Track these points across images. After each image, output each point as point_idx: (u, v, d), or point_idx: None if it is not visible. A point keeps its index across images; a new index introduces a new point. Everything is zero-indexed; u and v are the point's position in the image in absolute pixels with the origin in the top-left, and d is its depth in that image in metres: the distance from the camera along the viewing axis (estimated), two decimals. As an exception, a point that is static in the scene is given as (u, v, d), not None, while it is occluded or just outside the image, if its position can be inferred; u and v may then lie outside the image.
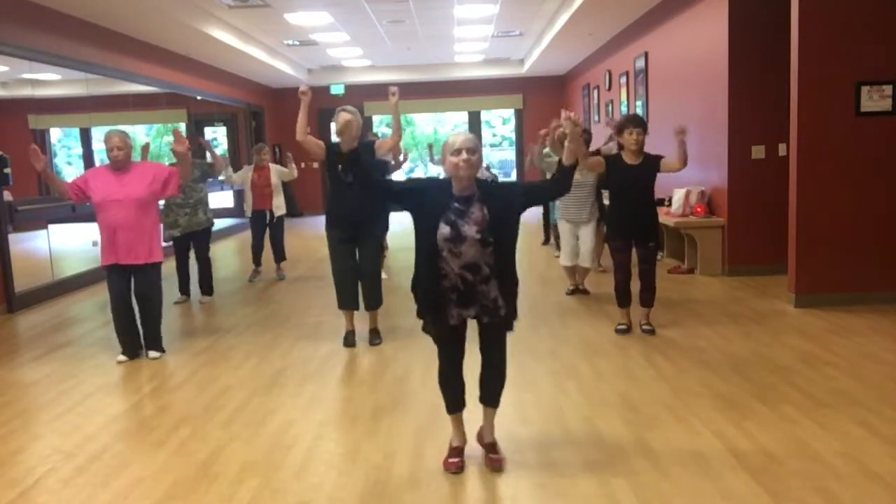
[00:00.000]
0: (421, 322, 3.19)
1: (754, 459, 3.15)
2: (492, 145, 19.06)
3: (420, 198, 3.07)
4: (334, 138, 5.19)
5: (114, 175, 4.96)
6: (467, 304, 3.08)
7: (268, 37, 11.75)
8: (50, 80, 8.42)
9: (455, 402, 3.27)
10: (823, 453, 3.19)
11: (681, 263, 7.89)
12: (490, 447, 3.27)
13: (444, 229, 2.98)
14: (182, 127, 12.78)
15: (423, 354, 5.01)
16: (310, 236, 12.49)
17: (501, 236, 3.02)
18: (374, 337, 5.38)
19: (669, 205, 8.24)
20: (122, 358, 5.13)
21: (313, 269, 8.86)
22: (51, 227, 7.98)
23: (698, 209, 7.55)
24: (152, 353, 5.20)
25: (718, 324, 5.47)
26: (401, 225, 11.58)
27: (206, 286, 7.18)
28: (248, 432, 3.71)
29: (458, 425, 3.30)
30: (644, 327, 5.32)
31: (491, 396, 3.27)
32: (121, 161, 4.92)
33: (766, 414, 3.66)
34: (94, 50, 8.69)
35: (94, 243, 5.24)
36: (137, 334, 5.21)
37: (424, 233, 3.04)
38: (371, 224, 5.27)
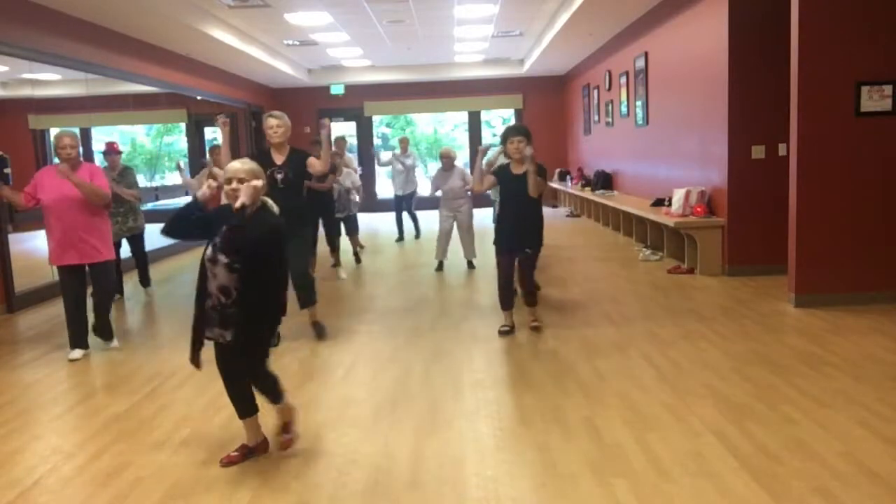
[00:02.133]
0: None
1: (754, 459, 3.15)
2: (491, 145, 19.07)
3: (210, 223, 3.21)
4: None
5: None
6: (227, 325, 3.17)
7: (268, 37, 11.75)
8: (50, 80, 8.41)
9: (240, 411, 3.37)
10: (823, 453, 3.19)
11: (681, 263, 7.89)
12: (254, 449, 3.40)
13: (207, 250, 3.17)
14: (182, 127, 12.80)
15: (423, 354, 5.02)
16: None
17: (252, 266, 3.10)
18: (318, 330, 5.49)
19: (669, 205, 8.24)
20: (76, 354, 5.22)
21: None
22: (51, 227, 7.97)
23: (698, 209, 7.54)
24: (112, 344, 5.42)
25: (718, 324, 5.47)
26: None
27: (144, 279, 7.64)
28: (248, 432, 3.71)
29: (249, 428, 3.39)
30: (532, 325, 5.49)
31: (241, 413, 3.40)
32: (73, 159, 5.10)
33: (766, 414, 3.66)
34: (94, 50, 8.69)
35: None
36: (87, 330, 5.36)
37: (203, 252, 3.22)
38: (297, 225, 5.18)
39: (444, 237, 8.40)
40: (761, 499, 2.81)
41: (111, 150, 7.17)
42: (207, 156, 8.30)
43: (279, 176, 5.14)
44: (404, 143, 11.80)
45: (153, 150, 12.41)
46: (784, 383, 4.10)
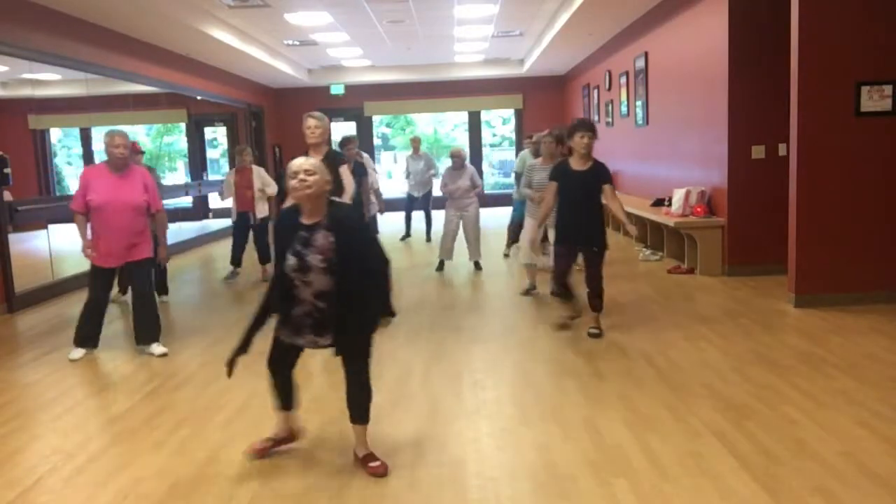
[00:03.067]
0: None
1: (754, 459, 3.15)
2: (492, 145, 19.06)
3: (280, 238, 3.15)
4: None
5: (114, 176, 5.05)
6: (323, 331, 3.14)
7: (268, 37, 11.75)
8: (50, 80, 8.41)
9: (284, 404, 3.41)
10: (823, 453, 3.19)
11: (681, 263, 7.89)
12: (365, 460, 3.23)
13: (290, 260, 3.06)
14: (182, 127, 12.81)
15: (423, 354, 5.02)
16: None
17: (349, 263, 3.03)
18: None
19: (669, 205, 8.24)
20: (77, 354, 5.19)
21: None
22: (51, 227, 7.97)
23: (698, 209, 7.54)
24: (159, 349, 5.25)
25: (718, 324, 5.47)
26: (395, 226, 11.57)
27: (161, 287, 7.28)
28: (248, 432, 3.71)
29: (282, 420, 3.45)
30: (591, 331, 5.28)
31: (357, 413, 3.27)
32: (124, 159, 5.05)
33: (766, 414, 3.66)
34: (94, 50, 8.69)
35: None
36: (100, 330, 5.32)
37: (279, 262, 3.13)
38: None
39: (449, 237, 8.33)
40: (761, 499, 2.81)
41: (133, 151, 6.99)
42: (236, 157, 8.31)
43: None
44: (416, 143, 11.50)
45: (153, 150, 12.41)
46: (784, 383, 4.10)
